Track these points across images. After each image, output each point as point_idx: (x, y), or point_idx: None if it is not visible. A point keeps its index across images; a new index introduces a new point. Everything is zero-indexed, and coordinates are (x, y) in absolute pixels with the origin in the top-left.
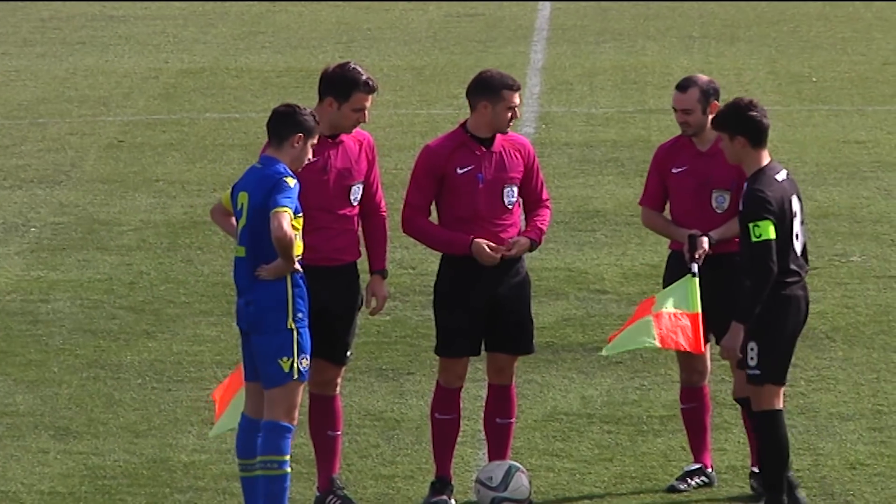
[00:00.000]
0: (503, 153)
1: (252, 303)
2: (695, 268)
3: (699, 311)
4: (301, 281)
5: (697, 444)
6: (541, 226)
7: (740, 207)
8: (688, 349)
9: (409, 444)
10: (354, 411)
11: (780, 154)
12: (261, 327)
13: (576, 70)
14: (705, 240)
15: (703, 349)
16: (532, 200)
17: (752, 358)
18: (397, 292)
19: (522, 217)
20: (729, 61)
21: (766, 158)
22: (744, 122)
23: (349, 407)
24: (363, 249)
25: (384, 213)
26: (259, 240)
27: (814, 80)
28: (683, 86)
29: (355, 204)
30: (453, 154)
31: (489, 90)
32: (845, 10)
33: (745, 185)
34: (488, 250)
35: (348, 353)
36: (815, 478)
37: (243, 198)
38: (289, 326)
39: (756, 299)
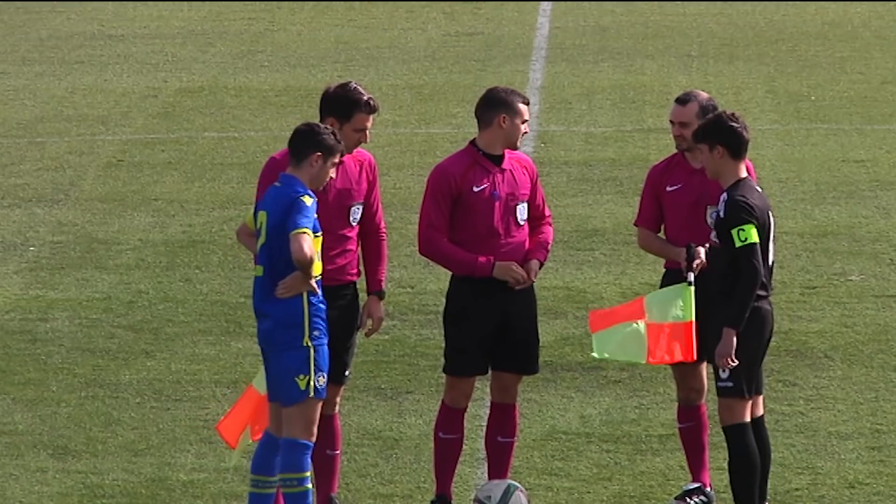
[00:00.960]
0: (513, 171)
1: (269, 320)
2: (691, 277)
3: (693, 319)
4: (317, 299)
5: (696, 462)
6: (546, 245)
7: (721, 215)
8: (680, 359)
9: (407, 464)
10: (353, 430)
11: (779, 173)
12: (277, 345)
13: (574, 89)
14: (702, 250)
15: (695, 356)
16: (535, 217)
17: (723, 370)
18: (396, 311)
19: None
20: (727, 80)
21: (743, 172)
22: (725, 132)
23: (348, 426)
24: (362, 269)
25: (384, 234)
26: (277, 259)
27: (812, 98)
28: (684, 99)
29: (355, 224)
30: (467, 173)
31: (505, 104)
32: (844, 29)
33: (725, 194)
34: (513, 271)
35: (347, 373)
36: (813, 497)
37: (262, 217)
38: (305, 344)
39: (745, 302)
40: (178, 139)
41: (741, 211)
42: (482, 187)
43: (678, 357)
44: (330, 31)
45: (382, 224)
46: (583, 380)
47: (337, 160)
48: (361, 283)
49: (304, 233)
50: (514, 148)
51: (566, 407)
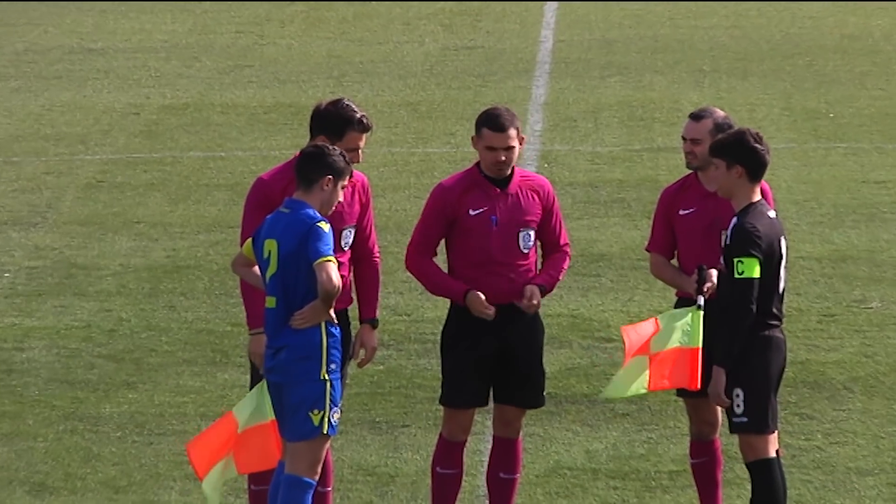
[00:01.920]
0: (520, 195)
1: (284, 351)
2: (701, 300)
3: (700, 345)
4: (336, 330)
5: (709, 501)
6: (554, 273)
7: (727, 241)
8: (679, 386)
9: (404, 501)
10: (346, 466)
11: (796, 194)
12: (292, 377)
13: (580, 106)
14: (714, 273)
15: (698, 385)
16: (549, 244)
17: (738, 405)
18: (391, 340)
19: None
20: (741, 96)
21: (757, 195)
22: (747, 153)
23: (340, 461)
24: (355, 295)
25: (377, 259)
26: (292, 289)
27: (831, 116)
28: (698, 115)
29: (346, 249)
30: (466, 194)
31: (476, 125)
32: (864, 42)
33: (735, 218)
34: (483, 306)
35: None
36: None
37: (271, 245)
38: (322, 377)
39: (734, 340)
40: (161, 159)
41: (746, 242)
42: (479, 211)
43: (680, 383)
44: (322, 44)
45: (376, 248)
46: (589, 413)
47: (346, 182)
48: (353, 311)
49: (330, 261)
50: (496, 174)
51: (571, 441)
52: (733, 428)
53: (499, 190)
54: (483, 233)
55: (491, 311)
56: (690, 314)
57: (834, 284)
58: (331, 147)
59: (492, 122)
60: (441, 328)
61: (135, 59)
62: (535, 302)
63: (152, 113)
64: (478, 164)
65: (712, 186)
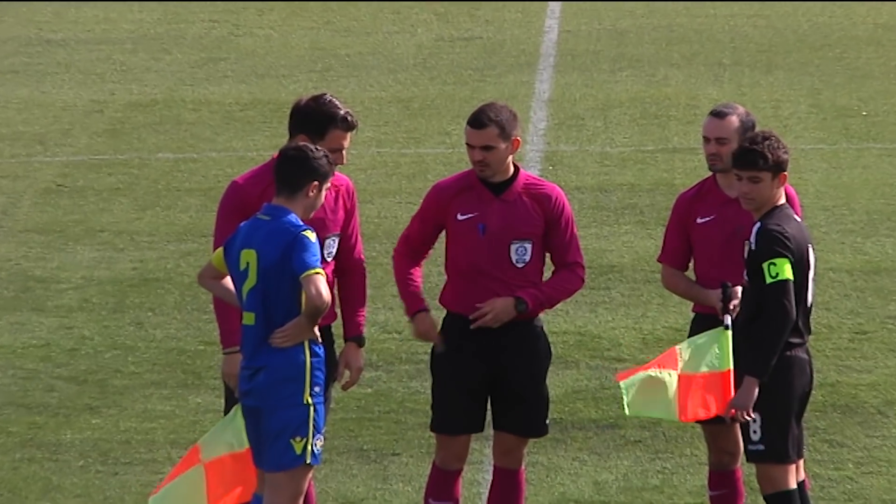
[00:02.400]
0: (518, 203)
1: (262, 372)
2: (728, 320)
3: (731, 367)
4: (320, 350)
5: None
6: (549, 290)
7: (752, 247)
8: (717, 413)
9: None
10: (331, 498)
11: (825, 200)
12: (272, 401)
13: (588, 102)
14: (739, 290)
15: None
16: (556, 262)
17: (754, 431)
18: (380, 361)
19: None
20: (765, 92)
21: (782, 198)
22: (787, 157)
23: (324, 493)
24: (339, 311)
25: (364, 270)
26: (273, 304)
27: (864, 114)
28: (722, 112)
29: (329, 259)
30: (457, 197)
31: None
32: None
33: (758, 223)
34: (425, 334)
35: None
36: None
37: (249, 256)
38: (305, 401)
39: (772, 349)
40: (127, 161)
41: (774, 242)
42: (467, 216)
43: (714, 411)
44: (304, 35)
45: (363, 259)
46: (597, 440)
47: (329, 185)
48: (338, 328)
49: (318, 273)
50: (480, 176)
51: (578, 471)
52: (749, 456)
53: (493, 195)
54: (469, 240)
55: (434, 340)
56: (718, 336)
57: (867, 299)
58: (313, 147)
59: (472, 118)
60: (431, 346)
61: (98, 51)
62: (486, 311)
63: (117, 110)
64: None
65: (734, 192)
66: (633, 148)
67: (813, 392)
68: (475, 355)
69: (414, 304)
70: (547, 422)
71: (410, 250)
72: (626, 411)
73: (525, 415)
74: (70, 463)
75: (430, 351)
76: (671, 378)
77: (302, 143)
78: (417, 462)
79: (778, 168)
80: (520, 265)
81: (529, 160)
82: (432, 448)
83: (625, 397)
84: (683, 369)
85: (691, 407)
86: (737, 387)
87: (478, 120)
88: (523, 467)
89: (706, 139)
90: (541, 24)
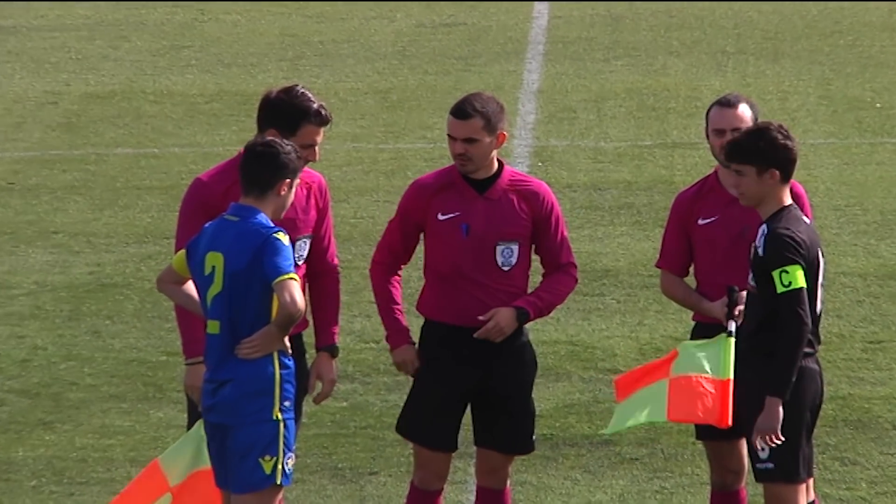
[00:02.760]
0: (503, 201)
1: (228, 385)
2: (732, 326)
3: (731, 377)
4: (289, 361)
5: None
6: (546, 294)
7: (760, 252)
8: (707, 421)
9: None
10: None
11: (836, 199)
12: (239, 417)
13: (580, 94)
14: (745, 294)
15: (728, 422)
16: (547, 263)
17: (762, 449)
18: (356, 372)
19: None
20: (771, 82)
21: (788, 198)
22: (781, 153)
23: None
24: (311, 318)
25: (337, 275)
26: (240, 311)
27: (878, 106)
28: (732, 101)
29: (300, 263)
30: (438, 195)
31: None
32: None
33: (765, 226)
34: (405, 368)
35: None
36: None
37: (214, 259)
38: (274, 417)
39: (791, 363)
40: (83, 157)
41: (785, 248)
42: (449, 216)
43: (706, 418)
44: (274, 20)
45: (336, 262)
46: (591, 457)
47: (298, 181)
48: (310, 337)
49: (292, 279)
50: (462, 171)
51: (570, 491)
52: (757, 476)
53: (477, 193)
54: (452, 242)
55: (410, 374)
56: (721, 343)
57: (881, 306)
58: (282, 142)
59: (455, 107)
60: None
61: (52, 38)
62: (490, 326)
63: (73, 102)
64: None
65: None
66: (629, 143)
67: (823, 406)
68: (457, 366)
69: (397, 338)
70: (533, 438)
71: (392, 259)
72: (606, 432)
73: (510, 430)
74: (22, 483)
75: None
76: (661, 387)
77: (270, 139)
78: (396, 482)
79: (764, 162)
80: (505, 268)
81: (517, 155)
82: (412, 467)
83: (615, 417)
84: (676, 371)
85: (680, 406)
86: (735, 397)
87: (462, 110)
88: (509, 487)
89: (719, 132)
90: (529, 9)
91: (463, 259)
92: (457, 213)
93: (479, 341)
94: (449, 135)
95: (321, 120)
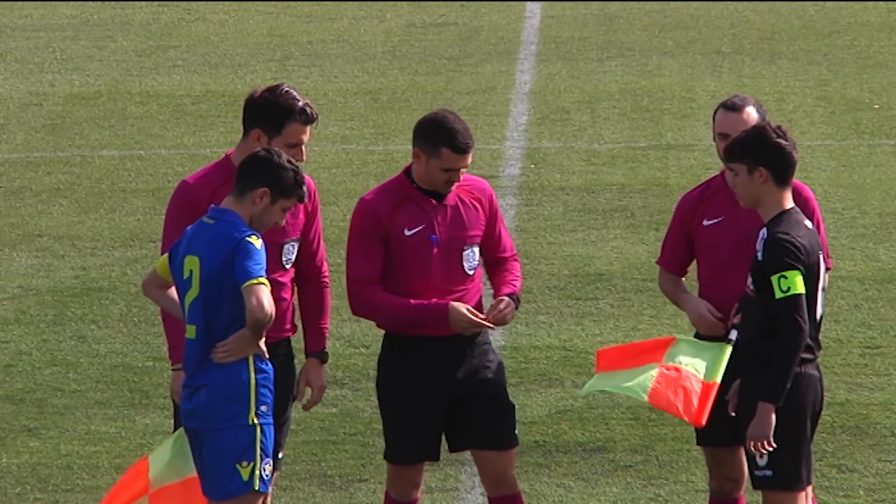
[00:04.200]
0: (460, 206)
1: (203, 390)
2: (734, 335)
3: (718, 381)
4: (266, 366)
5: None
6: (516, 282)
7: (759, 257)
8: (683, 417)
9: None
10: None
11: (833, 201)
12: (214, 422)
13: (573, 95)
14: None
15: (702, 422)
16: (495, 259)
17: (761, 455)
18: (346, 378)
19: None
20: (768, 83)
21: (789, 201)
22: (770, 151)
23: None
24: (300, 323)
25: (326, 279)
26: (215, 315)
27: (876, 107)
28: (737, 105)
29: (289, 267)
30: (397, 210)
31: (428, 140)
32: None
33: (765, 230)
34: (470, 316)
35: (280, 455)
36: None
37: (192, 263)
38: (250, 422)
39: (786, 370)
40: (68, 159)
41: (785, 253)
42: (416, 230)
43: (684, 413)
44: (262, 20)
45: (325, 266)
46: (584, 464)
47: (289, 205)
48: (298, 342)
49: (261, 284)
50: (438, 190)
51: (563, 499)
52: (756, 483)
53: (435, 202)
54: (422, 255)
55: (480, 321)
56: (719, 347)
57: (879, 310)
58: (286, 159)
59: (454, 141)
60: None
61: (36, 38)
62: (507, 311)
63: (57, 103)
64: (406, 171)
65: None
66: (624, 144)
67: (822, 412)
68: (431, 375)
69: (437, 307)
70: (516, 431)
71: (367, 283)
72: (581, 392)
73: (497, 425)
74: (6, 490)
75: (377, 374)
76: (650, 370)
77: (273, 148)
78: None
79: (753, 160)
80: (470, 272)
81: (509, 158)
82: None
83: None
84: (669, 360)
85: (662, 393)
86: (736, 403)
87: (465, 145)
88: (519, 490)
89: (724, 135)
90: (522, 9)
91: (434, 270)
92: (422, 226)
93: (448, 349)
94: (447, 169)
95: (307, 118)
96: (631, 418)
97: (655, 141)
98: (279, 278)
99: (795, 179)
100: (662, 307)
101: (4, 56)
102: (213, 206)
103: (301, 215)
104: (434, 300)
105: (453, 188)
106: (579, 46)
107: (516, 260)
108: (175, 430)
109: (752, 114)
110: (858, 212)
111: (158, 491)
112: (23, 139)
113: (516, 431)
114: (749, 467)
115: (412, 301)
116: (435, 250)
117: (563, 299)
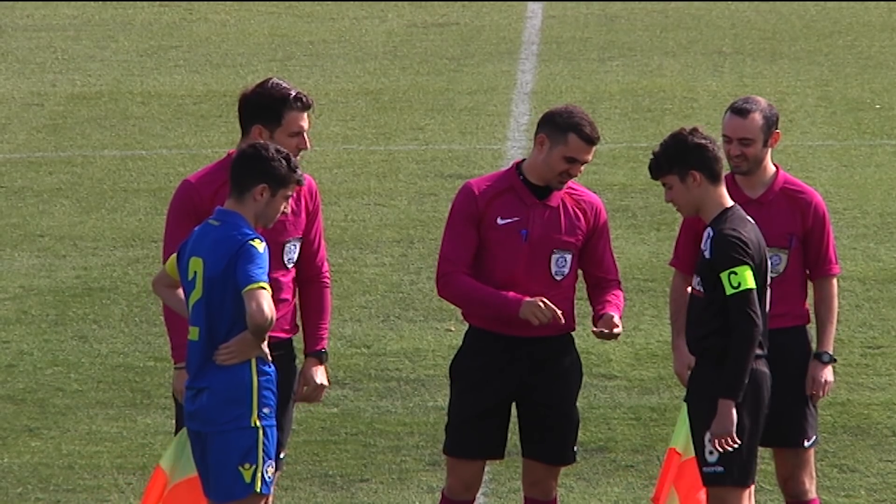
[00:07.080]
0: (562, 209)
1: (205, 393)
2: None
3: (675, 446)
4: (269, 368)
5: None
6: (620, 303)
7: (707, 255)
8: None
9: None
10: None
11: (835, 201)
12: (217, 425)
13: (574, 95)
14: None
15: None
16: (597, 278)
17: (710, 452)
18: (347, 378)
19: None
20: (769, 84)
21: (728, 199)
22: (695, 153)
23: None
24: (300, 323)
25: (327, 279)
26: (218, 318)
27: (877, 107)
28: (744, 109)
29: (290, 266)
30: (496, 199)
31: (558, 125)
32: None
33: (710, 228)
34: (539, 303)
35: (282, 455)
36: None
37: (196, 265)
38: (253, 424)
39: (742, 365)
40: (69, 158)
41: (732, 249)
42: (509, 221)
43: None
44: (263, 20)
45: (326, 266)
46: (585, 464)
47: (290, 192)
48: (299, 342)
49: (262, 288)
50: (553, 186)
51: (564, 499)
52: (705, 479)
53: (537, 199)
54: (510, 248)
55: (552, 313)
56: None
57: (881, 310)
58: (274, 149)
59: (584, 129)
60: (407, 362)
61: (38, 38)
62: (616, 332)
63: (59, 103)
64: (517, 165)
65: (756, 192)
66: (625, 144)
67: (821, 412)
68: (498, 374)
69: (513, 300)
70: (575, 448)
71: (457, 264)
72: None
73: (550, 439)
74: (7, 490)
75: (402, 367)
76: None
77: (260, 142)
78: (388, 489)
79: (682, 167)
80: (558, 278)
81: (510, 157)
82: (403, 474)
83: None
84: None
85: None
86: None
87: (595, 135)
88: (555, 497)
89: (727, 138)
90: (523, 9)
91: (518, 265)
92: (516, 219)
93: (526, 350)
94: (570, 158)
95: (302, 104)
96: (632, 418)
97: (657, 141)
98: (281, 278)
99: (803, 183)
100: (664, 307)
101: (6, 56)
102: (217, 208)
103: (303, 215)
104: (512, 294)
105: (564, 187)
106: (580, 46)
107: (620, 286)
108: (177, 429)
109: (756, 121)
110: (860, 212)
111: (171, 491)
112: (24, 139)
113: (575, 448)
114: (698, 463)
115: (495, 292)
116: (524, 244)
117: None
